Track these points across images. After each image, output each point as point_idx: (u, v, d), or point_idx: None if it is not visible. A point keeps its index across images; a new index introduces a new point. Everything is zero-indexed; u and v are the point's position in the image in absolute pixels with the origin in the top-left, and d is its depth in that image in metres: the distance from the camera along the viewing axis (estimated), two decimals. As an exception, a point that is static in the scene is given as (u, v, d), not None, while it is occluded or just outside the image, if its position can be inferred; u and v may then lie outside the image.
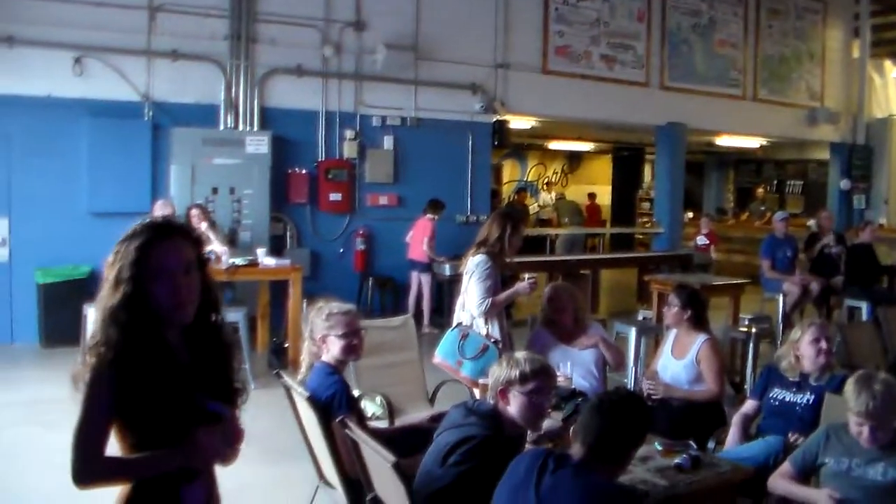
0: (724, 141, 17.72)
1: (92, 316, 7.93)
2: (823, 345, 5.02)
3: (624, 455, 3.22)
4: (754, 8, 15.81)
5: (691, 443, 4.26)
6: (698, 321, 5.76)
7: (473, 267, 5.82)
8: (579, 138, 20.93)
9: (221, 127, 10.74)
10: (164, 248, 2.34)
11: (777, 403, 5.08)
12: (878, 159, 17.52)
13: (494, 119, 12.66)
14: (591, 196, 22.29)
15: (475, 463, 3.45)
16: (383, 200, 11.87)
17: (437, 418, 4.12)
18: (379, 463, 3.46)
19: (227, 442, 2.42)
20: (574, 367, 5.43)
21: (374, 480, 3.73)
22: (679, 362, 5.71)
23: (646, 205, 22.00)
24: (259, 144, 10.67)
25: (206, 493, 2.51)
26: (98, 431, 2.23)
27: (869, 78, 17.75)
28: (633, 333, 7.73)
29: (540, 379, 3.64)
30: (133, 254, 2.30)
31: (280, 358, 8.88)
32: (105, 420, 2.25)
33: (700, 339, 5.66)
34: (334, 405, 4.02)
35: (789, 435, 4.79)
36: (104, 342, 2.27)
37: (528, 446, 3.81)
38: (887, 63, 19.00)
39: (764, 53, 15.99)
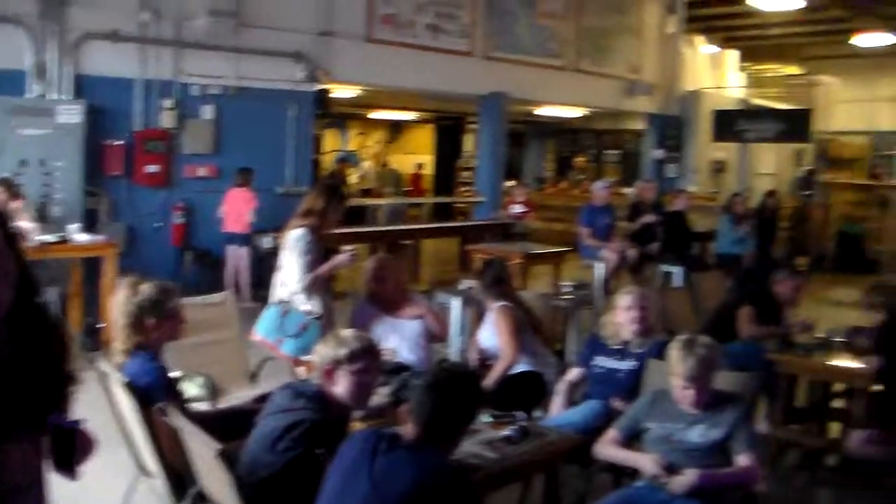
0: (545, 111, 18.04)
1: None
2: (636, 312, 5.15)
3: (458, 432, 3.21)
4: (577, -20, 16.06)
5: (519, 413, 4.30)
6: (498, 291, 5.82)
7: (293, 241, 5.69)
8: (402, 108, 20.91)
9: (29, 95, 10.18)
10: None
11: (601, 371, 5.20)
12: (688, 130, 18.20)
13: (317, 88, 12.47)
14: (419, 166, 22.33)
15: (306, 447, 3.36)
16: (202, 172, 11.48)
17: (262, 399, 4.01)
18: (203, 451, 3.33)
19: (81, 456, 2.18)
20: (400, 339, 5.42)
21: (198, 469, 3.59)
22: (486, 333, 5.79)
23: (467, 174, 22.20)
24: (72, 114, 10.12)
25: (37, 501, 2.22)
26: None
27: (682, 53, 18.36)
28: (455, 304, 7.73)
29: (367, 358, 3.58)
30: None
31: (94, 338, 8.54)
32: None
33: (493, 307, 5.73)
34: (154, 391, 3.84)
35: (612, 401, 4.91)
36: None
37: (356, 425, 3.77)
38: (698, 39, 19.73)
39: (585, 25, 16.25)
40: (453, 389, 3.14)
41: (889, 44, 19.68)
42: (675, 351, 4.14)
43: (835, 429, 6.53)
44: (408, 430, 3.09)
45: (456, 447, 3.30)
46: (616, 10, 16.90)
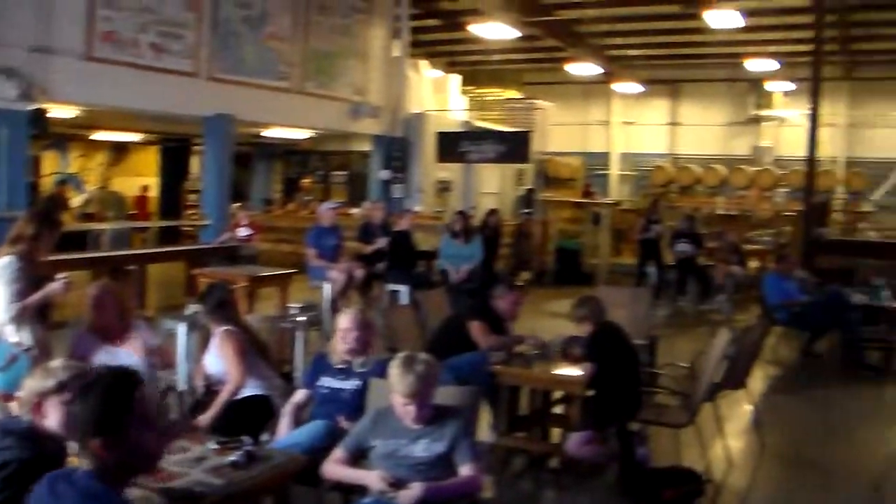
0: (272, 132, 17.97)
1: None
2: (354, 332, 5.24)
3: (134, 444, 2.89)
4: (304, 3, 16.02)
5: (245, 438, 4.27)
6: (222, 315, 5.79)
7: (0, 270, 5.43)
8: (126, 129, 20.24)
9: None
10: None
11: (326, 391, 5.24)
12: (413, 151, 18.56)
13: (33, 107, 11.82)
14: (144, 189, 21.65)
15: (16, 489, 3.17)
16: None
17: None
18: None
19: None
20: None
21: None
22: (211, 358, 5.74)
23: (193, 196, 21.77)
24: None
25: None
26: None
27: (407, 76, 18.77)
28: (181, 329, 7.55)
29: (79, 387, 3.44)
30: None
31: None
32: None
33: (218, 331, 5.70)
34: None
35: (338, 420, 4.95)
36: None
37: (74, 460, 3.61)
38: (422, 62, 20.27)
39: (312, 48, 16.30)
40: (101, 397, 2.86)
41: (597, 73, 21.14)
42: (394, 369, 4.26)
43: (556, 433, 6.87)
44: (85, 461, 2.87)
45: (149, 464, 3.09)
46: (342, 34, 17.06)
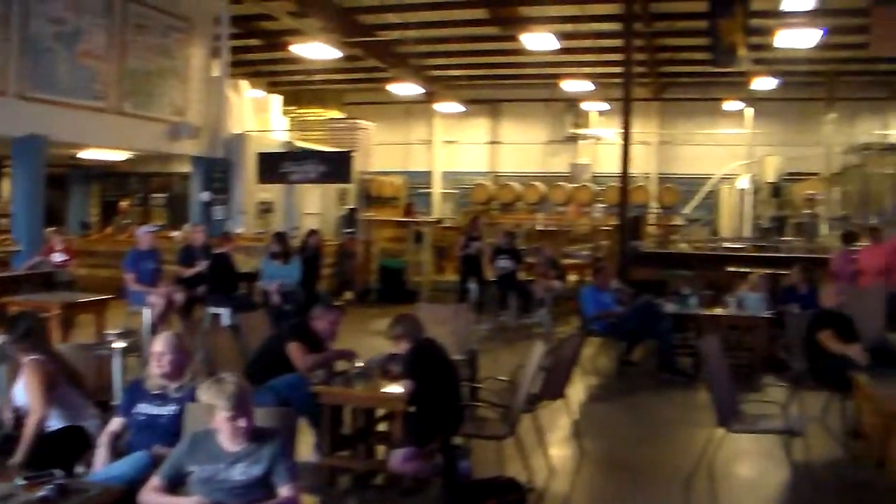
0: (88, 154, 17.44)
1: None
2: (168, 356, 5.17)
3: None
4: (120, 21, 15.61)
5: (57, 471, 4.14)
6: (30, 344, 5.63)
7: None
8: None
9: None
10: None
11: (143, 418, 5.14)
12: (234, 172, 18.39)
13: None
14: (-52, 216, 20.60)
15: None
16: None
17: None
18: None
19: None
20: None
21: None
22: (20, 389, 5.57)
23: (4, 221, 20.85)
24: None
25: None
26: None
27: (227, 96, 18.57)
28: (-10, 361, 7.26)
29: None
30: None
31: None
32: None
33: (25, 361, 5.54)
34: None
35: (155, 448, 4.86)
36: None
37: None
38: (243, 83, 20.12)
39: (129, 67, 15.90)
40: None
41: (419, 93, 21.47)
42: (207, 391, 4.26)
43: (381, 451, 6.92)
44: None
45: None
46: (160, 53, 16.71)
